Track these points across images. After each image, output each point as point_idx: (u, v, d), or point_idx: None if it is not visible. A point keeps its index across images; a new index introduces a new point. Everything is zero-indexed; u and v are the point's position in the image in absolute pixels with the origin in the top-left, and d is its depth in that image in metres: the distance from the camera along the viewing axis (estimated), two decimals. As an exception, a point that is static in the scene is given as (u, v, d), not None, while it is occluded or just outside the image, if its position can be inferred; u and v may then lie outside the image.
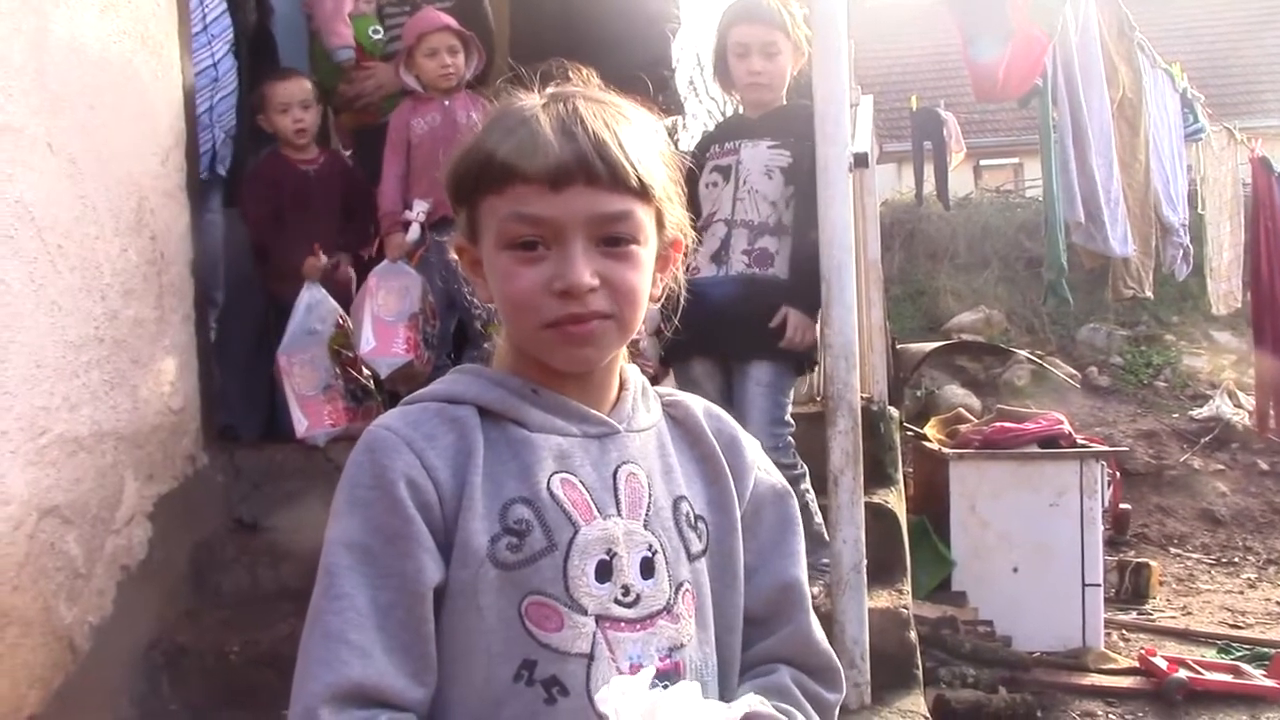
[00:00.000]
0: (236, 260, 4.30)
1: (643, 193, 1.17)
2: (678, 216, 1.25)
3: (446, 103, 4.19)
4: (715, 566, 1.24)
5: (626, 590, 1.16)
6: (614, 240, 1.16)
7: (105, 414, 3.24)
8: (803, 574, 1.31)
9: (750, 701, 1.13)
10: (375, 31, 4.66)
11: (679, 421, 1.31)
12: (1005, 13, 4.53)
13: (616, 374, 1.26)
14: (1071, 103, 5.21)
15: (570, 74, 1.28)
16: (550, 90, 1.20)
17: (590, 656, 1.13)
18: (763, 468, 1.33)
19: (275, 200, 4.22)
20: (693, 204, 3.39)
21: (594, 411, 1.23)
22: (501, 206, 1.15)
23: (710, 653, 1.22)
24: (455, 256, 1.28)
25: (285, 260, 4.17)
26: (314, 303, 4.03)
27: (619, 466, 1.21)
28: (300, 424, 3.95)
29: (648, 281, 1.21)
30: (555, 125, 1.14)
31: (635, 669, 1.13)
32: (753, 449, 1.34)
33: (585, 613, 1.14)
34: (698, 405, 1.33)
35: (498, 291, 1.19)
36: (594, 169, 1.13)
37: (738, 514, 1.27)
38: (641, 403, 1.28)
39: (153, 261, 3.55)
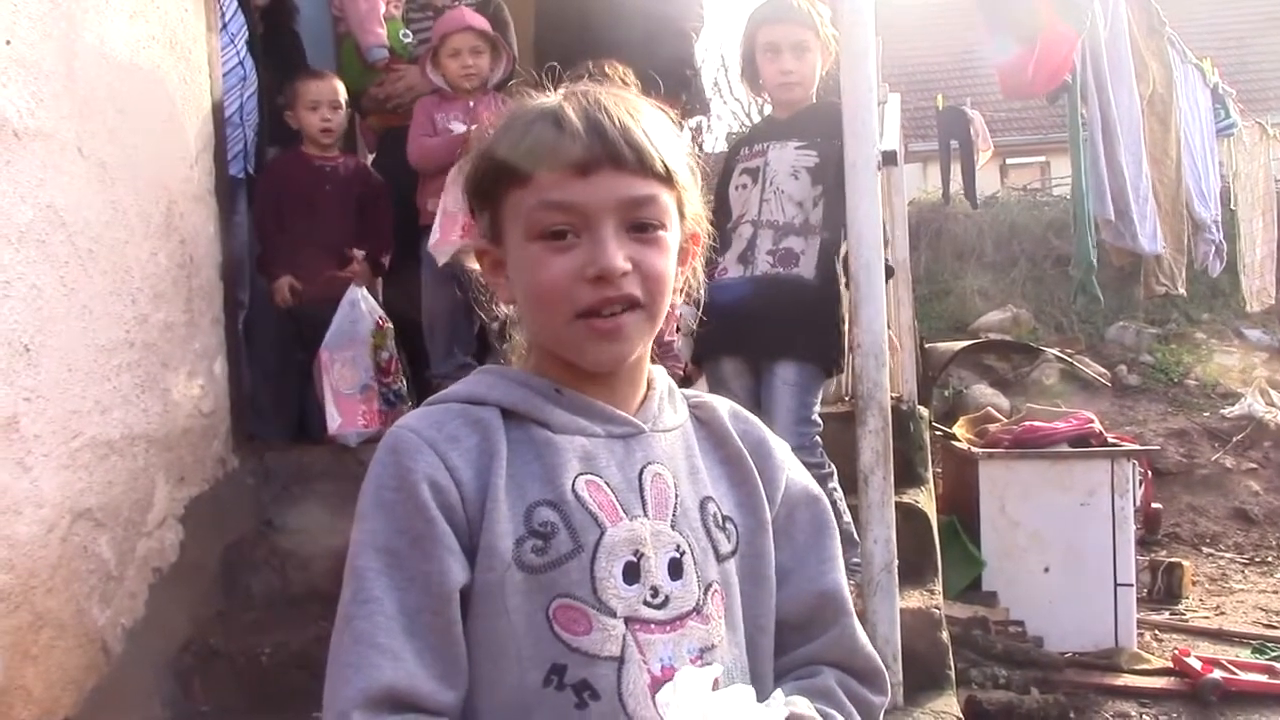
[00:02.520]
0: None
1: (667, 178, 1.17)
2: (696, 208, 1.25)
3: (472, 104, 4.21)
4: (745, 567, 1.23)
5: (655, 591, 1.15)
6: (642, 225, 1.16)
7: (136, 417, 3.26)
8: (842, 578, 1.30)
9: (797, 704, 1.13)
10: (405, 35, 4.70)
11: (705, 423, 1.29)
12: (1034, 8, 4.49)
13: (643, 373, 1.25)
14: (1101, 99, 5.16)
15: (607, 70, 1.29)
16: (568, 87, 1.20)
17: (620, 659, 1.12)
18: (793, 470, 1.32)
19: (286, 195, 4.24)
20: (722, 206, 3.42)
21: (619, 411, 1.21)
22: (528, 198, 1.15)
23: (741, 653, 1.21)
24: (475, 265, 1.27)
25: (294, 256, 4.20)
26: (356, 300, 4.06)
27: (644, 467, 1.20)
28: (333, 420, 3.97)
29: (674, 268, 1.20)
30: (579, 114, 1.14)
31: (667, 671, 1.12)
32: (782, 451, 1.32)
33: (614, 615, 1.12)
34: (724, 407, 1.32)
35: (527, 285, 1.17)
36: (621, 153, 1.13)
37: (767, 515, 1.26)
38: (668, 403, 1.26)
39: (182, 265, 3.57)
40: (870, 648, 1.29)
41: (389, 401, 4.11)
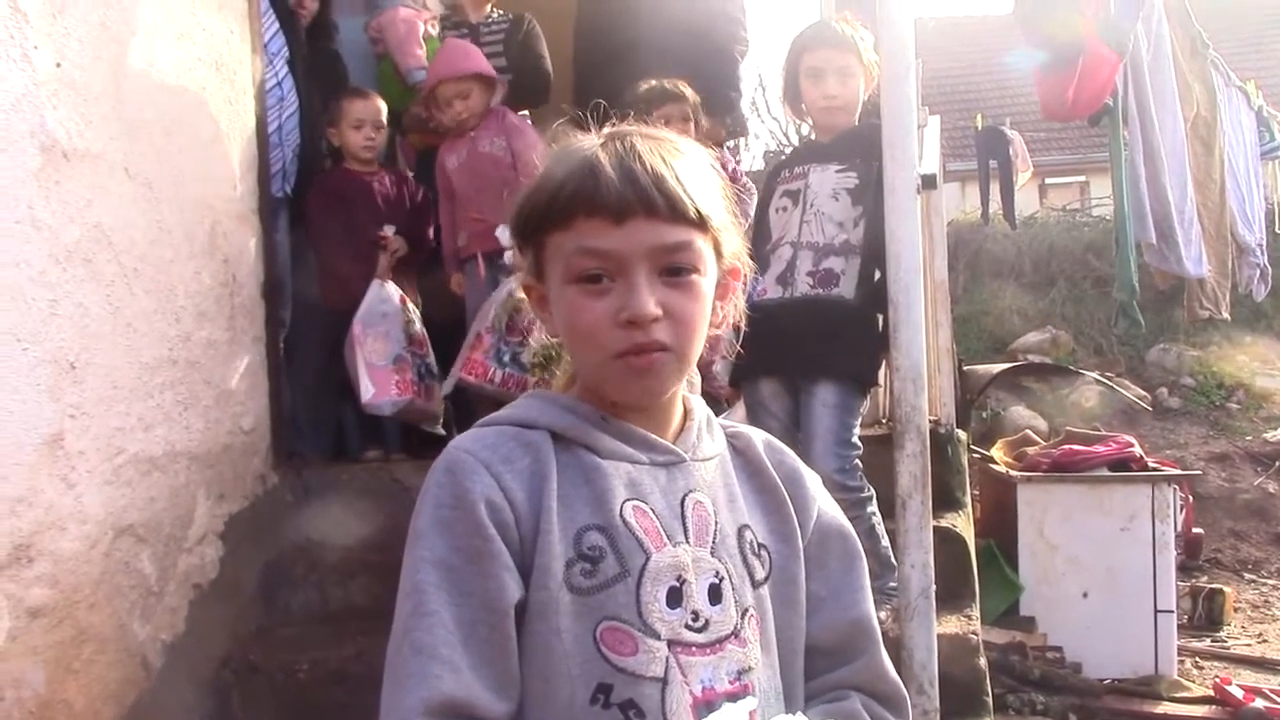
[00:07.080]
0: (303, 280, 4.37)
1: (701, 223, 1.21)
2: (735, 245, 1.29)
3: (472, 134, 4.34)
4: (778, 593, 1.28)
5: (696, 615, 1.19)
6: (675, 270, 1.20)
7: (178, 434, 3.30)
8: (872, 608, 1.35)
9: None
10: None
11: (741, 453, 1.34)
12: (1074, 26, 4.47)
13: (680, 403, 1.30)
14: (1143, 122, 5.13)
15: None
16: (608, 130, 1.25)
17: (664, 680, 1.16)
18: (824, 501, 1.36)
19: (342, 210, 4.30)
20: (761, 228, 3.42)
21: (661, 440, 1.26)
22: (567, 242, 1.19)
23: (774, 675, 1.25)
24: (523, 294, 1.32)
25: (345, 269, 4.25)
26: (380, 284, 4.21)
27: (686, 495, 1.24)
28: (367, 391, 4.05)
29: (707, 311, 1.24)
30: (614, 162, 1.18)
31: (708, 692, 1.17)
32: (813, 482, 1.37)
33: (658, 637, 1.17)
34: (759, 438, 1.37)
35: (566, 324, 1.23)
36: (653, 202, 1.17)
37: (800, 543, 1.31)
38: (706, 433, 1.31)
39: (225, 284, 3.61)
40: (895, 675, 1.34)
41: (420, 375, 4.18)
